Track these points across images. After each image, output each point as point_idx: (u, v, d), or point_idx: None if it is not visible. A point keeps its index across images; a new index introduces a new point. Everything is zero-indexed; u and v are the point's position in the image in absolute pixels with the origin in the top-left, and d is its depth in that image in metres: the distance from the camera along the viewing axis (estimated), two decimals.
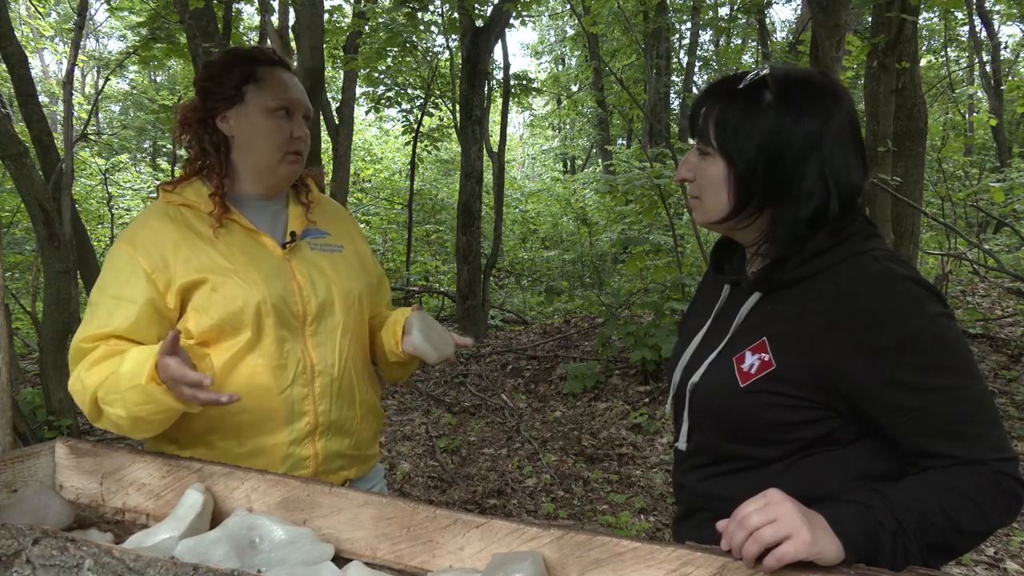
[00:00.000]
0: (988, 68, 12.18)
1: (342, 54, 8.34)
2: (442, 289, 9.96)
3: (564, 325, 7.65)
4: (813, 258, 0.99)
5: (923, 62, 12.37)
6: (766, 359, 1.00)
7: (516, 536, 0.93)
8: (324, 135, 8.37)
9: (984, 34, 12.21)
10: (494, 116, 14.27)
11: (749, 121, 1.00)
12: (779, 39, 14.57)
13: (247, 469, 1.10)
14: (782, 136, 0.98)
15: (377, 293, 1.56)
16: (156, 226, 1.34)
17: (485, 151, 8.50)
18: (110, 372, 1.23)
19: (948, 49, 13.39)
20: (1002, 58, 12.98)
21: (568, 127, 21.13)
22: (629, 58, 14.14)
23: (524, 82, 9.48)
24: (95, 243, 8.66)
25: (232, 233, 1.37)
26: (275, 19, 5.90)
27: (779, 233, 1.01)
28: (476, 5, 6.81)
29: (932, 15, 11.96)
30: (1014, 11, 11.36)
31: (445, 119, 10.45)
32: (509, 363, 6.38)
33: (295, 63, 4.83)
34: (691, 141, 1.08)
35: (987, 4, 12.08)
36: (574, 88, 17.25)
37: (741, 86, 1.02)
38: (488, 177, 9.39)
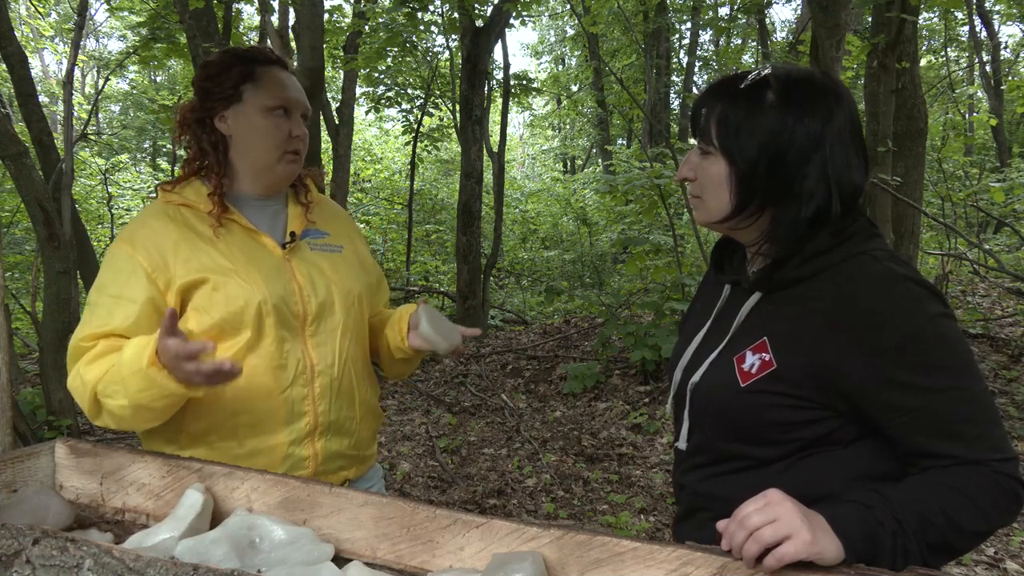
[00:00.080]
0: (988, 68, 12.19)
1: (342, 54, 8.34)
2: (442, 289, 9.96)
3: (564, 325, 7.65)
4: (814, 258, 0.99)
5: (923, 62, 12.37)
6: (767, 359, 1.00)
7: (516, 536, 0.93)
8: (324, 135, 8.37)
9: (984, 34, 12.21)
10: (494, 116, 14.27)
11: (751, 120, 1.00)
12: (779, 39, 14.57)
13: (247, 469, 1.10)
14: (784, 136, 0.98)
15: (376, 293, 1.56)
16: (156, 225, 1.34)
17: (485, 151, 8.50)
18: (110, 365, 1.22)
19: (948, 49, 13.40)
20: (1002, 58, 12.98)
21: (568, 127, 21.13)
22: (629, 58, 14.14)
23: (524, 82, 9.48)
24: (95, 243, 8.66)
25: (232, 233, 1.37)
26: (275, 19, 5.90)
27: (780, 233, 1.01)
28: (476, 5, 6.81)
29: (932, 15, 11.96)
30: (1014, 11, 11.36)
31: (445, 119, 10.45)
32: (509, 363, 6.38)
33: (295, 63, 4.83)
34: (692, 141, 1.08)
35: (987, 4, 12.09)
36: (574, 88, 17.25)
37: (743, 86, 1.02)
38: (488, 177, 9.39)
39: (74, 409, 4.57)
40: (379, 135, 18.38)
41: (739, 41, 13.97)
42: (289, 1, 5.26)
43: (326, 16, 6.95)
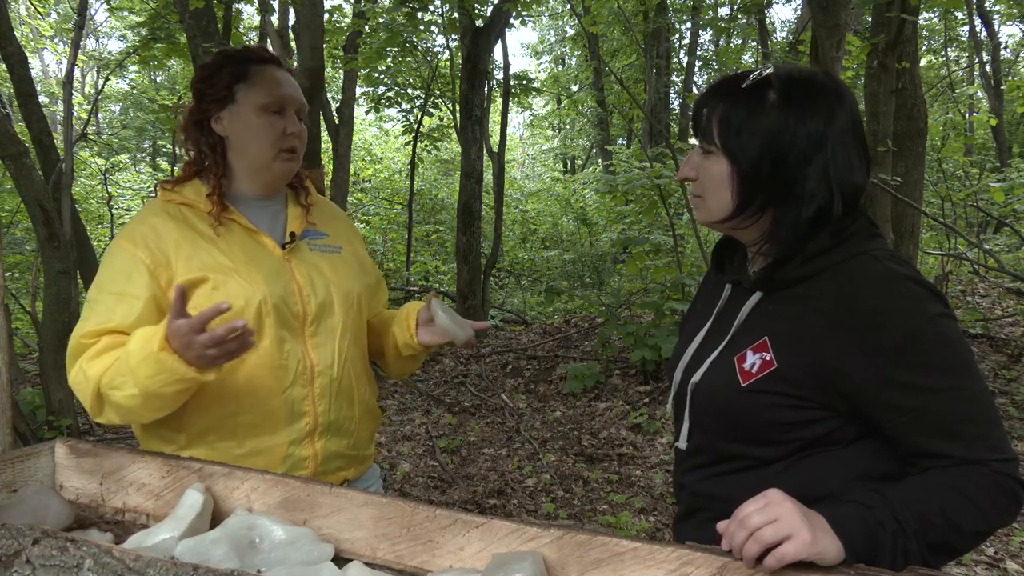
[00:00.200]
0: (988, 68, 12.19)
1: (342, 54, 8.34)
2: (442, 289, 9.96)
3: (564, 325, 7.65)
4: (815, 258, 0.99)
5: (923, 62, 12.37)
6: (767, 359, 1.00)
7: (516, 536, 0.93)
8: (324, 135, 8.37)
9: (984, 34, 12.22)
10: (494, 116, 14.26)
11: (752, 120, 1.00)
12: (779, 39, 14.57)
13: (247, 469, 1.10)
14: (786, 136, 0.98)
15: (375, 294, 1.57)
16: (157, 223, 1.34)
17: (485, 151, 8.50)
18: (116, 358, 1.22)
19: (948, 49, 13.40)
20: (1002, 58, 12.98)
21: (568, 127, 21.13)
22: (629, 58, 14.14)
23: (524, 82, 9.48)
24: (95, 243, 8.66)
25: (232, 232, 1.37)
26: (275, 19, 5.90)
27: (781, 233, 1.01)
28: (476, 5, 6.81)
29: (932, 15, 11.96)
30: (1014, 11, 11.36)
31: (445, 119, 10.45)
32: (509, 363, 6.38)
33: (295, 63, 4.83)
34: (692, 141, 1.08)
35: (987, 4, 12.09)
36: (574, 88, 17.25)
37: (745, 85, 1.02)
38: (488, 177, 9.39)
39: (74, 409, 4.57)
40: (379, 135, 18.38)
41: (739, 41, 13.97)
42: (289, 1, 5.27)
43: (326, 16, 6.96)
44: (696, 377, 1.09)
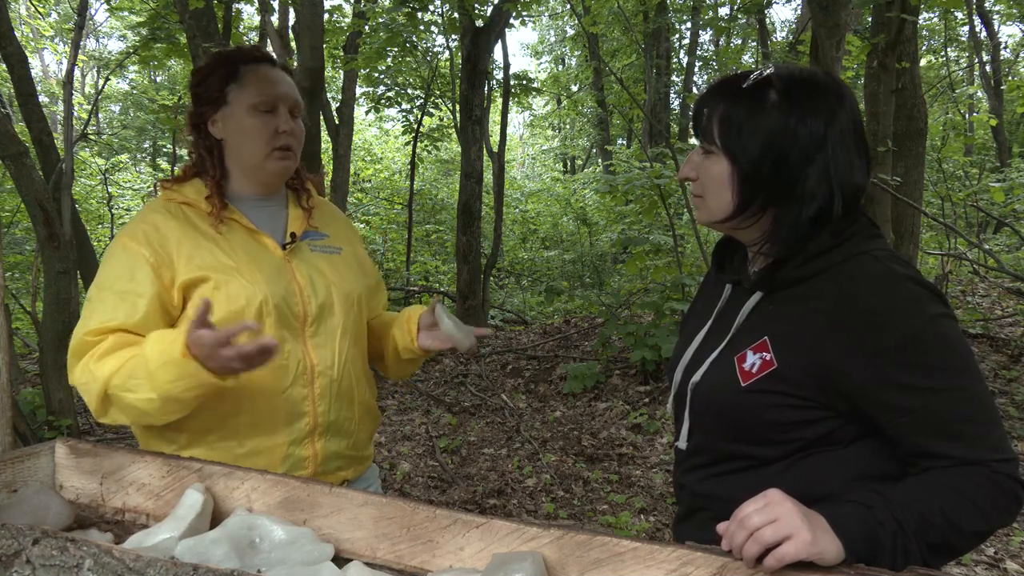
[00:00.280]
0: (988, 68, 12.19)
1: (342, 54, 8.34)
2: (442, 289, 9.96)
3: (564, 325, 7.65)
4: (815, 258, 0.99)
5: (923, 62, 12.37)
6: (767, 358, 1.00)
7: (516, 536, 0.93)
8: (324, 135, 8.37)
9: (984, 34, 12.22)
10: (494, 116, 14.26)
11: (753, 120, 1.00)
12: (779, 39, 14.57)
13: (247, 469, 1.10)
14: (786, 136, 0.98)
15: (375, 296, 1.57)
16: (159, 222, 1.34)
17: (485, 151, 8.50)
18: (127, 359, 1.22)
19: (948, 49, 13.40)
20: (1002, 58, 12.98)
21: (568, 127, 21.13)
22: (629, 58, 14.14)
23: (524, 82, 9.48)
24: (95, 243, 8.65)
25: (233, 232, 1.37)
26: (275, 19, 5.90)
27: (782, 233, 1.01)
28: (476, 5, 6.81)
29: (932, 15, 11.96)
30: (1014, 11, 11.36)
31: (445, 119, 10.45)
32: (509, 363, 6.38)
33: (295, 63, 4.83)
34: (692, 141, 1.08)
35: (987, 4, 12.09)
36: (574, 88, 17.25)
37: (745, 85, 1.01)
38: (488, 177, 9.39)
39: (74, 409, 4.57)
40: (379, 135, 18.38)
41: (739, 41, 13.97)
42: (289, 1, 5.27)
43: (326, 16, 6.96)
44: (696, 377, 1.09)
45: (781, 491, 0.85)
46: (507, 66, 9.13)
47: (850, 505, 0.90)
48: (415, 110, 10.03)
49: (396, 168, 16.68)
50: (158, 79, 18.00)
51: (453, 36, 8.38)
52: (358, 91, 9.76)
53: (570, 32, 17.39)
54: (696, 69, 13.32)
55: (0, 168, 5.61)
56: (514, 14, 7.68)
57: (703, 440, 1.10)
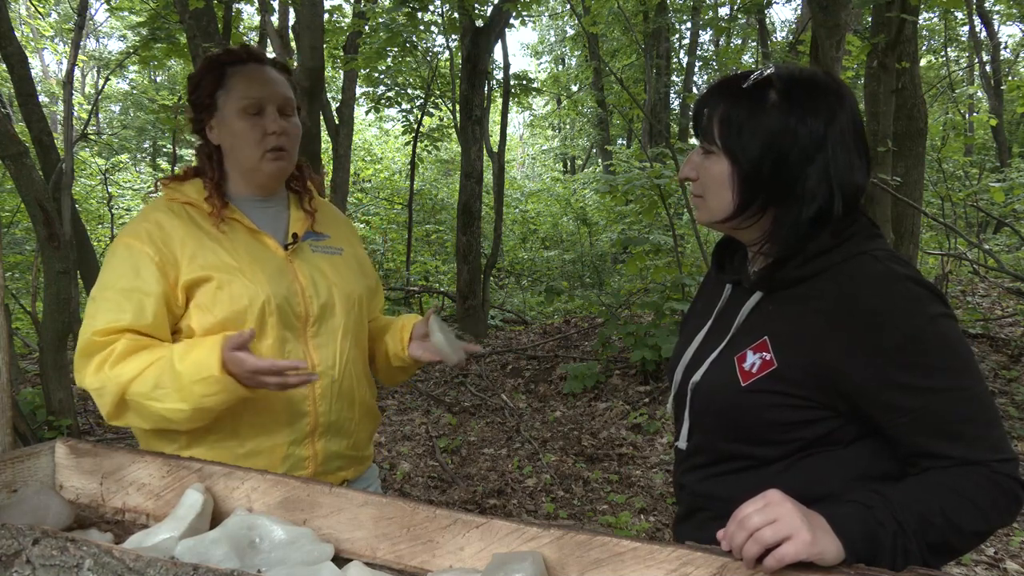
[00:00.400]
0: (988, 68, 12.19)
1: (342, 54, 8.34)
2: (442, 289, 9.96)
3: (564, 325, 7.65)
4: (815, 258, 0.99)
5: (923, 62, 12.37)
6: (767, 358, 1.00)
7: (516, 536, 0.93)
8: (324, 135, 8.37)
9: (984, 34, 12.22)
10: (494, 116, 14.26)
11: (753, 120, 1.00)
12: (779, 39, 14.57)
13: (247, 469, 1.10)
14: (787, 136, 0.98)
15: (374, 297, 1.57)
16: (162, 221, 1.34)
17: (485, 151, 8.50)
18: (147, 365, 1.23)
19: (948, 49, 13.40)
20: (1002, 58, 12.98)
21: (568, 127, 21.13)
22: (629, 58, 14.14)
23: (524, 82, 9.48)
24: (95, 243, 8.66)
25: (236, 232, 1.38)
26: (275, 19, 5.90)
27: (782, 233, 1.01)
28: (476, 5, 6.81)
29: (932, 15, 11.96)
30: (1014, 11, 11.36)
31: (445, 119, 10.45)
32: (509, 363, 6.38)
33: (295, 63, 4.83)
34: (693, 141, 1.08)
35: (987, 4, 12.08)
36: (574, 88, 17.25)
37: (745, 85, 1.01)
38: (488, 177, 9.39)
39: (74, 409, 4.57)
40: (379, 135, 18.37)
41: (739, 41, 13.97)
42: (289, 1, 5.27)
43: (326, 16, 6.96)
44: (696, 377, 1.09)
45: (781, 491, 0.85)
46: (507, 66, 9.13)
47: (850, 505, 0.90)
48: (415, 110, 10.03)
49: (396, 168, 16.68)
50: (158, 79, 18.00)
51: (453, 36, 8.38)
52: (358, 91, 9.76)
53: (570, 32, 17.40)
54: (696, 69, 13.32)
55: (0, 168, 5.60)
56: (514, 14, 7.68)
57: (703, 440, 1.10)
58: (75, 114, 8.02)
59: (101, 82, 12.62)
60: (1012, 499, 0.93)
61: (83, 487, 1.18)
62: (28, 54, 5.60)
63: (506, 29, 8.22)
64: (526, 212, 15.18)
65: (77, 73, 11.95)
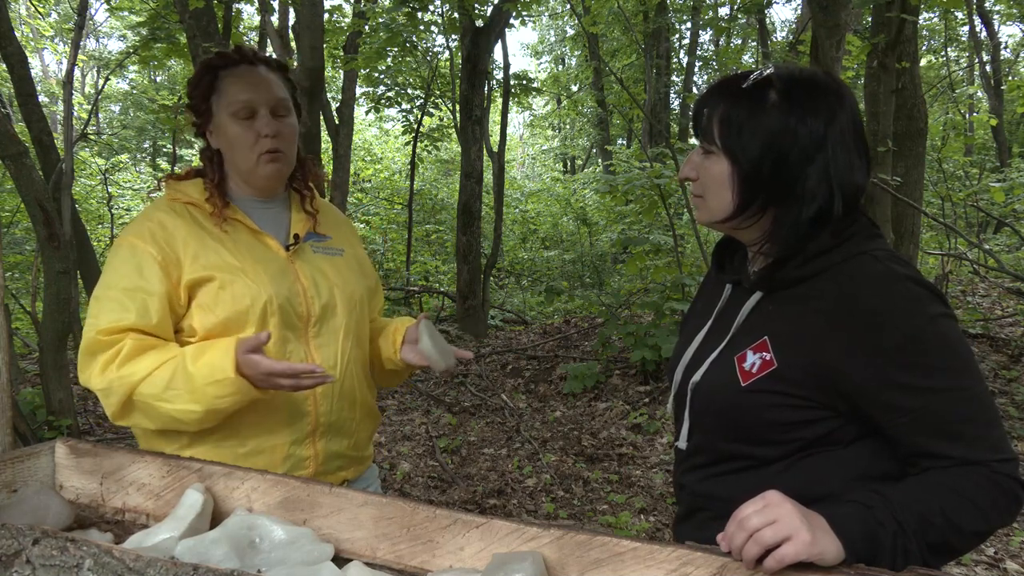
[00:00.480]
0: (988, 68, 12.19)
1: (342, 54, 8.34)
2: (442, 289, 9.96)
3: (564, 325, 7.65)
4: (815, 258, 0.99)
5: (923, 62, 12.37)
6: (767, 358, 1.00)
7: (516, 536, 0.93)
8: (324, 135, 8.37)
9: (984, 34, 12.22)
10: (494, 116, 14.26)
11: (753, 120, 0.99)
12: (779, 39, 14.57)
13: (247, 469, 1.10)
14: (786, 136, 0.98)
15: (373, 298, 1.57)
16: (165, 220, 1.35)
17: (485, 151, 8.50)
18: (156, 366, 1.24)
19: (948, 49, 13.40)
20: (1002, 58, 12.98)
21: (568, 127, 21.13)
22: (629, 58, 14.14)
23: (524, 82, 9.48)
24: (95, 243, 8.65)
25: (238, 232, 1.38)
26: (275, 19, 5.90)
27: (782, 233, 1.01)
28: (476, 5, 6.81)
29: (932, 15, 11.96)
30: (1014, 11, 11.36)
31: (445, 119, 10.45)
32: (509, 363, 6.38)
33: (295, 63, 4.83)
34: (693, 141, 1.08)
35: (987, 4, 12.09)
36: (574, 88, 17.25)
37: (745, 85, 1.01)
38: (488, 177, 9.39)
39: (74, 409, 4.56)
40: (379, 135, 18.37)
41: (739, 41, 13.97)
42: (289, 1, 5.27)
43: (326, 16, 6.95)
44: (696, 377, 1.08)
45: (780, 492, 0.85)
46: (507, 66, 9.13)
47: (850, 505, 0.90)
48: (415, 110, 10.03)
49: (396, 168, 16.67)
50: (158, 79, 18.00)
51: (453, 36, 8.38)
52: (358, 91, 9.75)
53: (570, 32, 17.39)
54: (696, 69, 13.32)
55: (0, 168, 5.60)
56: (514, 14, 7.68)
57: (703, 440, 1.10)
58: (75, 114, 8.02)
59: (101, 82, 12.62)
60: (1012, 499, 0.93)
61: (83, 487, 1.18)
62: (28, 54, 5.60)
63: (506, 29, 8.22)
64: (526, 212, 15.19)
65: (77, 73, 11.95)
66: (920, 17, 8.17)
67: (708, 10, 12.03)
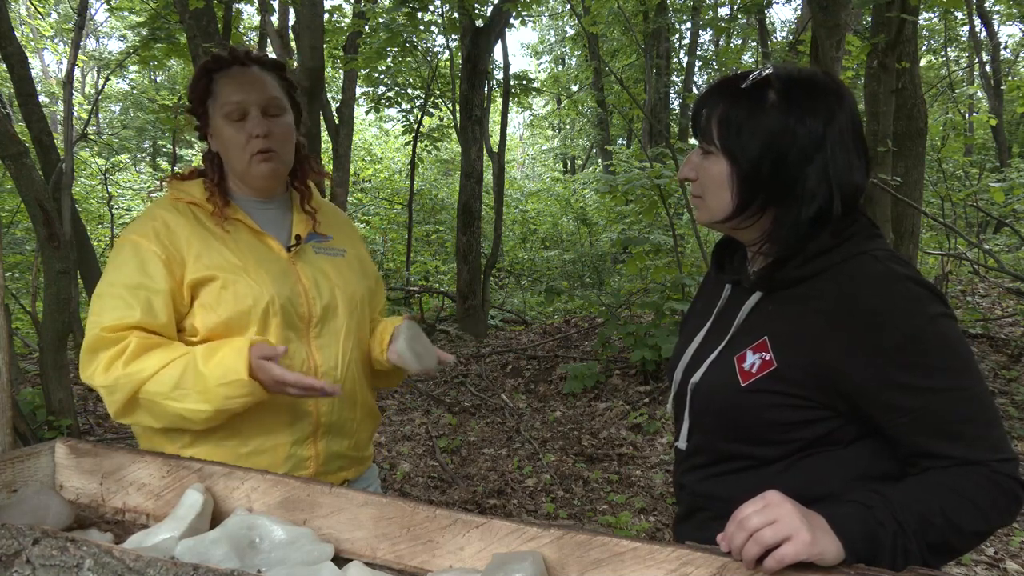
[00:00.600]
0: (988, 68, 12.19)
1: (342, 54, 8.34)
2: (442, 289, 9.96)
3: (564, 325, 7.65)
4: (815, 258, 0.99)
5: (923, 62, 12.37)
6: (767, 358, 1.00)
7: (516, 536, 0.93)
8: (324, 135, 8.37)
9: (984, 34, 12.22)
10: (494, 116, 14.26)
11: (752, 120, 1.00)
12: (779, 39, 14.57)
13: (247, 469, 1.10)
14: (786, 136, 0.98)
15: (374, 297, 1.57)
16: (168, 219, 1.35)
17: (485, 151, 8.50)
18: (163, 364, 1.24)
19: (948, 49, 13.40)
20: (1002, 58, 12.98)
21: (568, 127, 21.13)
22: (629, 58, 14.14)
23: (524, 82, 9.48)
24: (95, 243, 8.65)
25: (239, 232, 1.38)
26: (275, 19, 5.90)
27: (782, 233, 1.01)
28: (476, 5, 6.81)
29: (932, 15, 11.96)
30: (1014, 11, 11.36)
31: (445, 119, 10.45)
32: (509, 363, 6.38)
33: (295, 63, 4.83)
34: (692, 141, 1.08)
35: (987, 4, 12.09)
36: (574, 88, 17.25)
37: (744, 85, 1.01)
38: (488, 177, 9.39)
39: (74, 409, 4.56)
40: (379, 135, 18.37)
41: (739, 41, 13.97)
42: (289, 1, 5.27)
43: (326, 16, 6.95)
44: (696, 377, 1.09)
45: (780, 492, 0.85)
46: (507, 66, 9.13)
47: (850, 505, 0.90)
48: (415, 110, 10.02)
49: (396, 168, 16.67)
50: (158, 79, 18.00)
51: (453, 36, 8.38)
52: (358, 91, 9.76)
53: (570, 32, 17.40)
54: (696, 69, 13.32)
55: (0, 168, 5.60)
56: (514, 14, 7.68)
57: (703, 440, 1.10)
58: (75, 114, 8.02)
59: (101, 82, 12.62)
60: (1012, 499, 0.93)
61: (83, 487, 1.18)
62: (28, 54, 5.60)
63: (506, 29, 8.22)
64: (526, 212, 15.19)
65: (77, 73, 11.95)
66: (920, 17, 8.18)
67: (708, 10, 12.03)
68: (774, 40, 13.96)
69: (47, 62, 20.34)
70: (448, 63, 9.55)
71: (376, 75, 9.11)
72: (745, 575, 0.83)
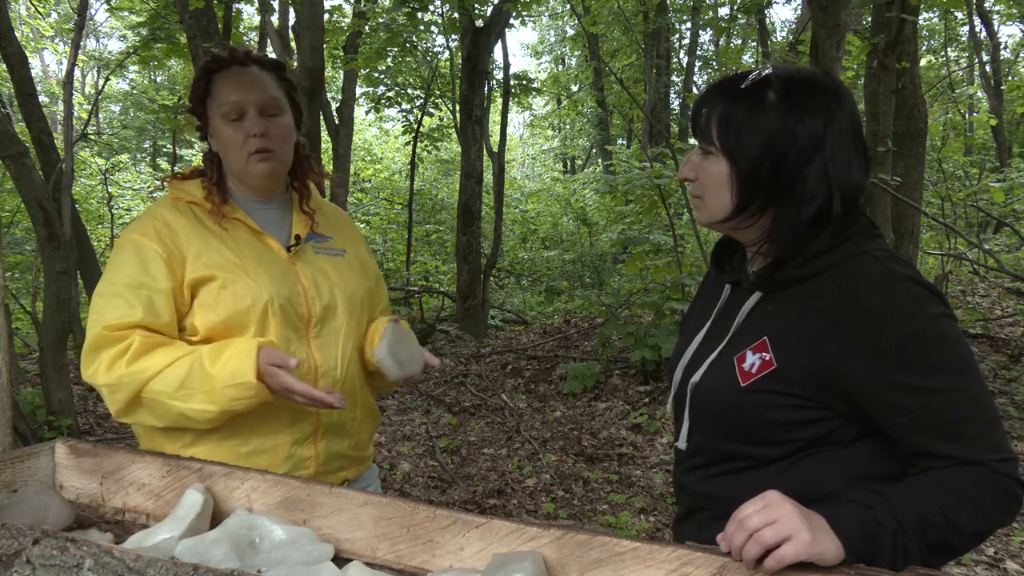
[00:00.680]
0: (988, 68, 12.19)
1: (342, 54, 8.34)
2: (442, 289, 9.95)
3: (564, 325, 7.65)
4: (815, 258, 0.99)
5: (923, 62, 12.37)
6: (767, 358, 1.00)
7: (516, 536, 0.93)
8: (324, 135, 8.37)
9: (984, 34, 12.22)
10: (494, 116, 14.26)
11: (752, 120, 0.99)
12: (779, 39, 14.56)
13: (247, 469, 1.10)
14: (785, 136, 0.98)
15: (375, 296, 1.57)
16: (169, 218, 1.35)
17: (485, 151, 8.50)
18: (167, 364, 1.24)
19: (948, 49, 13.40)
20: (1002, 58, 12.99)
21: (568, 127, 21.13)
22: (629, 58, 14.14)
23: (524, 82, 9.48)
24: (95, 243, 8.65)
25: (239, 231, 1.38)
26: (275, 19, 5.90)
27: (781, 233, 1.01)
28: (476, 5, 6.81)
29: (932, 15, 11.96)
30: (1014, 11, 11.36)
31: (445, 119, 10.45)
32: (509, 363, 6.38)
33: (295, 63, 4.83)
34: (692, 141, 1.08)
35: (987, 4, 12.09)
36: (574, 88, 17.25)
37: (744, 85, 1.01)
38: (488, 177, 9.39)
39: (74, 409, 4.56)
40: (379, 135, 18.37)
41: (739, 41, 13.98)
42: (289, 1, 5.27)
43: (326, 16, 6.95)
44: (696, 377, 1.08)
45: (780, 492, 0.85)
46: (507, 66, 9.13)
47: (850, 505, 0.90)
48: (415, 110, 10.02)
49: (396, 168, 16.67)
50: (158, 79, 18.00)
51: (453, 36, 8.38)
52: (358, 91, 9.75)
53: (570, 32, 17.39)
54: (696, 69, 13.32)
55: (0, 168, 5.60)
56: (514, 14, 7.68)
57: (703, 440, 1.10)
58: (75, 114, 8.01)
59: (101, 82, 12.61)
60: (1012, 499, 0.93)
61: (83, 487, 1.18)
62: (28, 54, 5.60)
63: (506, 29, 8.23)
64: (526, 212, 15.19)
65: (77, 73, 11.95)
66: (920, 17, 8.18)
67: (708, 10, 12.02)
68: (774, 40, 13.96)
69: (47, 62, 20.36)
70: (448, 63, 9.54)
71: (376, 75, 9.11)
72: (745, 575, 0.83)
